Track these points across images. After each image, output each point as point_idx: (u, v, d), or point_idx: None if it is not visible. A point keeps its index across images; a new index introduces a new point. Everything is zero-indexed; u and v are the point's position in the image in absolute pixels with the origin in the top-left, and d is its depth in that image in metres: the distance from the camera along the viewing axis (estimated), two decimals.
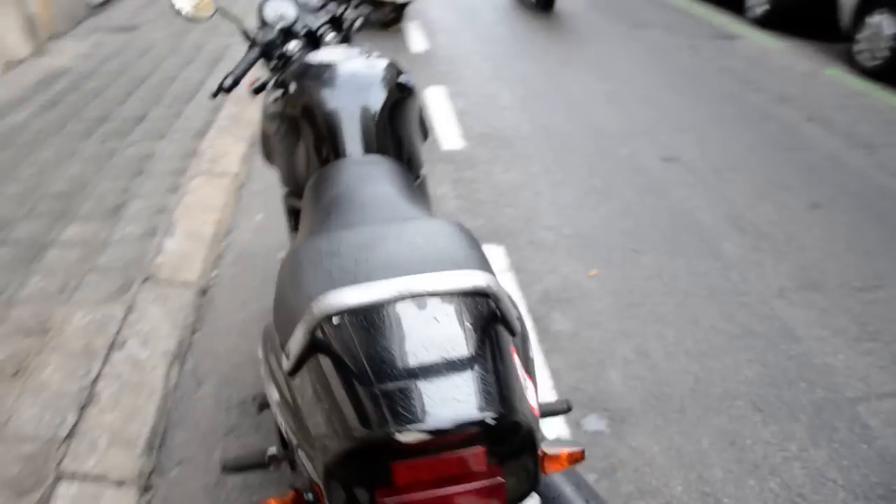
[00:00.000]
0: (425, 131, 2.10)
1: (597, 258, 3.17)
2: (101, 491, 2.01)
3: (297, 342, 0.91)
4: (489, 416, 0.83)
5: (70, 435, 2.16)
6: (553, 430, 2.23)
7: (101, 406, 2.28)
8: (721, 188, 3.80)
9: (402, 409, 0.84)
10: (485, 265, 1.19)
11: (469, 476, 0.85)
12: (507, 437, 0.88)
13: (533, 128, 4.70)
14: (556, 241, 3.32)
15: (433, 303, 0.98)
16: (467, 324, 0.95)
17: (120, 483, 2.05)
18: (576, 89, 5.42)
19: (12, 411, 2.25)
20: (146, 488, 2.08)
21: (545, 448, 1.04)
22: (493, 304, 0.95)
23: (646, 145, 4.38)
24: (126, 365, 2.46)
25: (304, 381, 0.96)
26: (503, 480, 0.87)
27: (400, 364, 0.89)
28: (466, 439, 0.84)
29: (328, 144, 1.73)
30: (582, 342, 2.63)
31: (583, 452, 1.06)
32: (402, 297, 0.86)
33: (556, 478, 1.36)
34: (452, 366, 0.89)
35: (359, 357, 0.91)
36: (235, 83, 1.88)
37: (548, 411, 1.57)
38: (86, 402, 2.28)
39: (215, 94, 1.90)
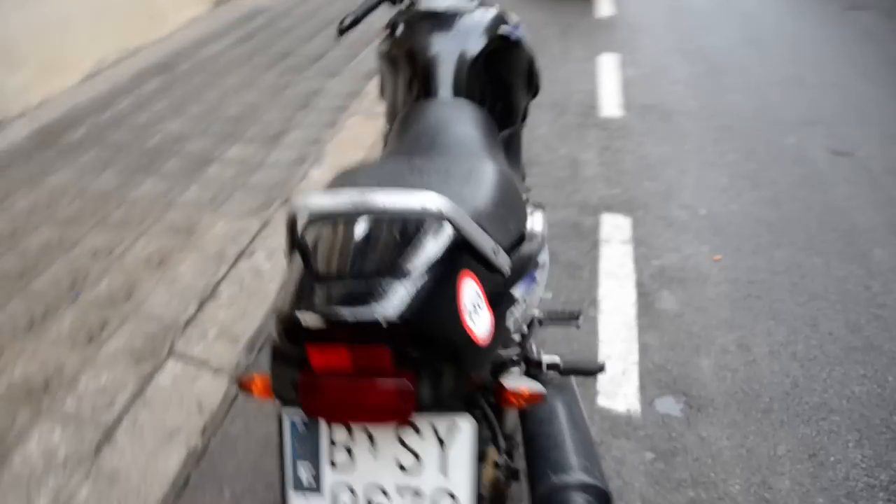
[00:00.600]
0: (534, 85, 2.06)
1: (726, 244, 2.96)
2: (200, 374, 2.24)
3: (286, 238, 0.99)
4: (384, 318, 0.84)
5: (188, 322, 2.42)
6: (621, 402, 2.16)
7: (219, 303, 2.52)
8: (893, 191, 3.37)
9: (317, 297, 0.89)
10: (508, 212, 1.18)
11: (379, 373, 0.88)
12: (420, 347, 0.89)
13: (700, 105, 4.42)
14: (688, 221, 3.14)
15: (395, 220, 1.01)
16: (419, 242, 0.96)
17: (217, 371, 2.27)
18: (759, 70, 4.99)
19: (148, 295, 2.54)
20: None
21: (505, 382, 1.07)
22: (460, 233, 0.95)
23: (818, 136, 3.96)
24: (249, 273, 2.69)
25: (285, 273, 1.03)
26: (410, 386, 0.88)
27: (338, 263, 0.95)
28: (372, 336, 0.86)
29: (420, 84, 1.76)
30: (683, 324, 2.49)
31: (542, 395, 1.07)
32: (357, 208, 0.89)
33: (555, 415, 1.35)
34: (379, 272, 0.91)
35: (314, 255, 0.97)
36: (355, 23, 1.95)
37: (579, 369, 1.54)
38: (207, 298, 2.53)
39: (339, 34, 1.99)
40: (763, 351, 2.35)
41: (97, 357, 2.29)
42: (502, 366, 1.22)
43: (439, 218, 0.91)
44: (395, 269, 0.91)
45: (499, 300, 1.05)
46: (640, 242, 2.99)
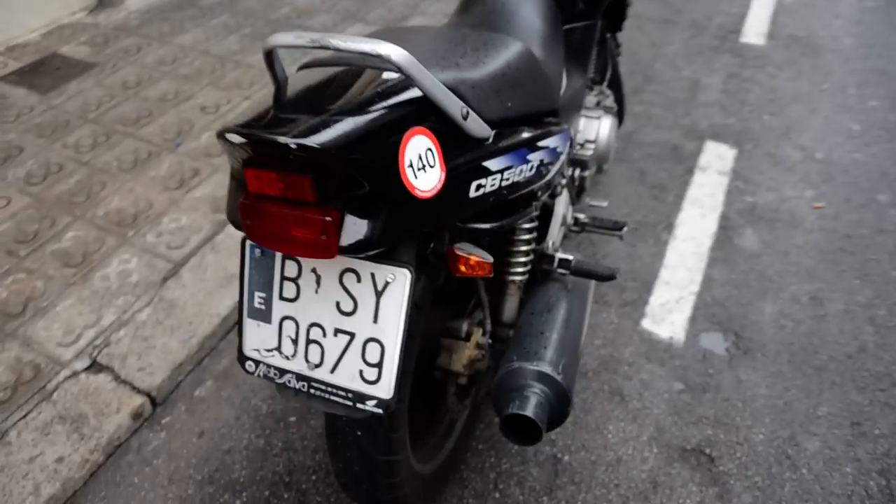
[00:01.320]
0: None
1: (834, 193, 2.63)
2: None
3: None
4: (293, 142, 0.79)
5: None
6: (666, 328, 2.02)
7: None
8: None
9: (253, 120, 0.86)
10: (510, 88, 1.11)
11: (305, 205, 0.85)
12: (347, 184, 0.85)
13: (856, 43, 3.87)
14: (800, 163, 2.81)
15: (366, 70, 0.97)
16: (377, 91, 0.91)
17: None
18: None
19: None
20: None
21: (458, 246, 1.04)
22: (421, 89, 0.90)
23: None
24: None
25: None
26: (330, 219, 0.84)
27: (294, 98, 0.91)
28: (295, 165, 0.83)
29: None
30: (757, 265, 2.27)
31: (489, 265, 1.03)
32: (313, 44, 0.86)
33: (551, 310, 1.31)
34: (323, 108, 0.87)
35: (283, 90, 0.94)
36: None
37: (589, 271, 1.44)
38: None
39: None
40: (838, 308, 2.11)
41: (182, 201, 2.41)
42: (468, 234, 1.15)
43: (387, 65, 0.87)
44: (339, 108, 0.87)
45: (464, 165, 0.98)
46: (739, 176, 2.72)
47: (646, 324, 2.06)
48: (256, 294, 1.07)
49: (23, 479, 1.67)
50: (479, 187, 1.01)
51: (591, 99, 1.98)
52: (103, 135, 2.73)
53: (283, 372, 1.06)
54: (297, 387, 1.05)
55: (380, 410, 0.99)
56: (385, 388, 0.99)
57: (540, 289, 1.44)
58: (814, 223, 2.47)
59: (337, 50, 0.85)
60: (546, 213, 1.59)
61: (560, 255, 1.47)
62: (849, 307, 2.11)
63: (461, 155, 0.98)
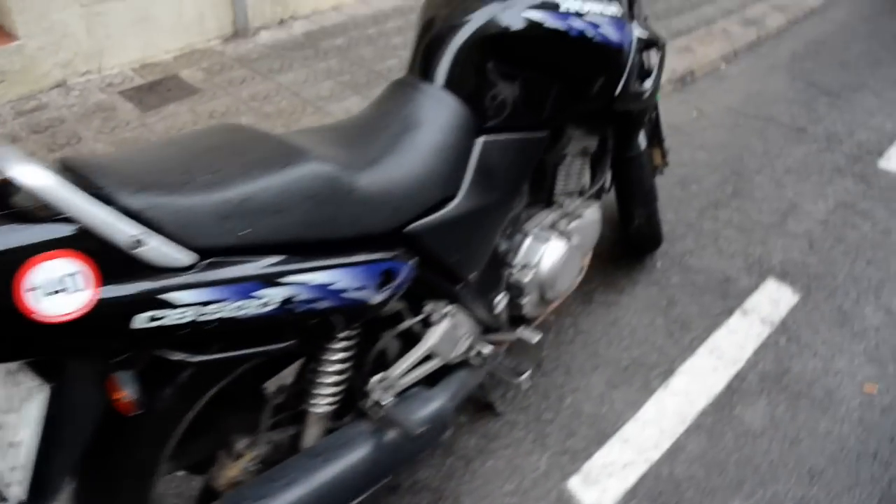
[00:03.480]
0: (595, 93, 1.55)
1: None
2: None
3: None
4: None
5: None
6: (590, 495, 1.68)
7: None
8: None
9: None
10: (248, 214, 0.98)
11: None
12: None
13: None
14: (874, 329, 2.26)
15: None
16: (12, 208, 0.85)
17: None
18: None
19: None
20: None
21: (117, 375, 0.94)
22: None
23: None
24: None
25: None
26: None
27: None
28: None
29: (412, 55, 1.47)
30: (749, 446, 1.84)
31: (131, 406, 0.94)
32: None
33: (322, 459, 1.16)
34: None
35: None
36: None
37: (392, 420, 1.23)
38: None
39: None
40: None
41: None
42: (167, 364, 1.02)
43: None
44: None
45: (132, 295, 0.88)
46: (787, 330, 2.25)
47: (573, 482, 1.73)
48: None
49: None
50: (153, 318, 0.89)
51: (550, 217, 1.71)
52: None
53: None
54: None
55: None
56: (17, 493, 0.93)
57: (347, 427, 1.26)
58: (852, 411, 1.96)
59: None
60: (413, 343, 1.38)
61: (376, 395, 1.26)
62: None
63: (133, 282, 0.88)
